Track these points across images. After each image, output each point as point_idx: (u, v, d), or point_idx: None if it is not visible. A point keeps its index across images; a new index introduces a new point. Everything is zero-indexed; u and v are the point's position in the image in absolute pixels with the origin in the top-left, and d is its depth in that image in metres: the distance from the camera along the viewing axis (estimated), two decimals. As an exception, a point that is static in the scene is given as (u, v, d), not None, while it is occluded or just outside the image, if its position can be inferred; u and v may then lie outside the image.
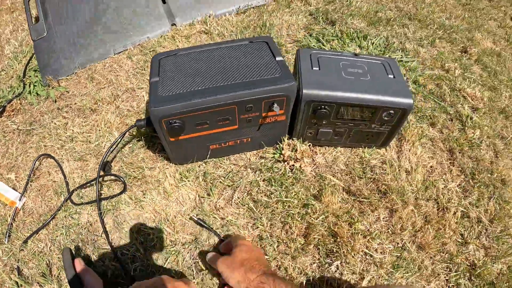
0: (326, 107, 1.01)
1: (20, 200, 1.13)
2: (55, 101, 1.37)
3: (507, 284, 0.96)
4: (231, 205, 1.06)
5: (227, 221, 1.02)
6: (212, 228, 1.00)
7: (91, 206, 1.08)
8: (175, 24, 1.54)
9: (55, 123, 1.30)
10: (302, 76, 1.02)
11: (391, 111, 1.03)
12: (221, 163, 1.14)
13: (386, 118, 1.05)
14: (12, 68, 1.54)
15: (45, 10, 1.47)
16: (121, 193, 1.09)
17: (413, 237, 1.02)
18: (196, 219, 1.01)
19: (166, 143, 1.04)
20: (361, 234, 1.00)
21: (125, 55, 1.50)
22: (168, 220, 1.03)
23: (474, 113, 1.39)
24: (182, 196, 1.08)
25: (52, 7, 1.47)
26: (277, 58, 1.03)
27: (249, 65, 1.01)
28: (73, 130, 1.26)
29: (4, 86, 1.48)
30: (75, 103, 1.35)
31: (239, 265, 0.78)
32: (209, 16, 1.57)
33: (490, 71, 1.62)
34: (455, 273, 0.97)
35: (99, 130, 1.24)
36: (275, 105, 0.98)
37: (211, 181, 1.09)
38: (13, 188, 1.17)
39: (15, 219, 1.10)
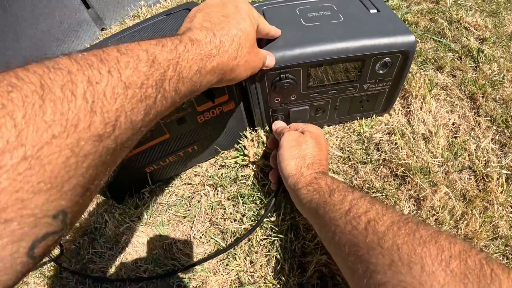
0: (288, 75, 0.54)
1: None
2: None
3: None
4: (192, 242, 0.61)
5: (189, 267, 0.57)
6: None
7: (33, 273, 0.66)
8: (105, 28, 1.09)
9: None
10: (242, 39, 0.55)
11: (387, 59, 0.56)
12: (171, 186, 0.68)
13: (381, 71, 0.58)
14: None
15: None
16: (60, 255, 0.65)
17: (455, 229, 0.57)
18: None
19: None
20: (383, 246, 0.54)
21: (55, 79, 1.05)
22: (118, 278, 0.60)
23: (483, 44, 0.90)
24: (131, 242, 0.64)
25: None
26: (203, 23, 0.57)
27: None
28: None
29: None
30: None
31: (301, 156, 0.53)
32: (141, 8, 1.11)
33: (483, -5, 1.11)
34: (515, 260, 0.53)
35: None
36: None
37: (160, 215, 0.64)
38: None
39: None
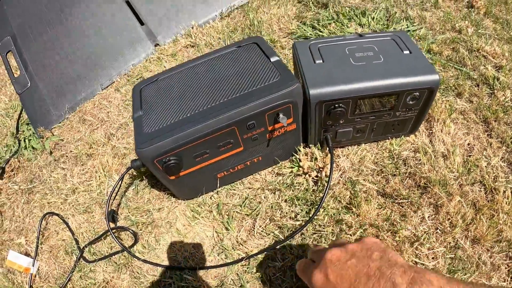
0: (341, 104, 0.78)
1: (33, 265, 0.95)
2: (51, 153, 1.17)
3: None
4: (254, 236, 0.84)
5: (253, 255, 0.80)
6: None
7: (105, 261, 0.89)
8: (158, 44, 1.32)
9: (54, 177, 1.11)
10: (305, 74, 0.79)
11: (416, 93, 0.79)
12: (235, 190, 0.92)
13: (411, 102, 0.81)
14: (5, 126, 1.35)
15: (23, 61, 1.28)
16: (132, 245, 0.88)
17: (466, 231, 0.79)
18: None
19: (167, 182, 0.82)
20: (407, 242, 0.77)
21: (112, 88, 1.28)
22: (188, 266, 0.83)
23: (499, 72, 1.13)
24: (198, 235, 0.87)
25: (30, 56, 1.27)
26: (272, 59, 0.81)
27: (241, 74, 0.79)
28: (72, 181, 1.07)
29: (0, 146, 1.29)
30: (71, 151, 1.16)
31: None
32: (192, 28, 1.34)
33: (502, 22, 1.35)
34: (516, 261, 0.75)
35: (99, 177, 1.04)
36: (281, 115, 0.75)
37: (227, 213, 0.88)
38: (26, 253, 0.99)
39: (32, 287, 0.91)
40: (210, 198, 0.91)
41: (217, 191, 0.91)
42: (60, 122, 1.24)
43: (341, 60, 0.81)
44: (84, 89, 1.24)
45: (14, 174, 1.20)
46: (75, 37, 1.26)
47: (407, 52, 0.83)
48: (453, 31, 1.25)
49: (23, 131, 1.28)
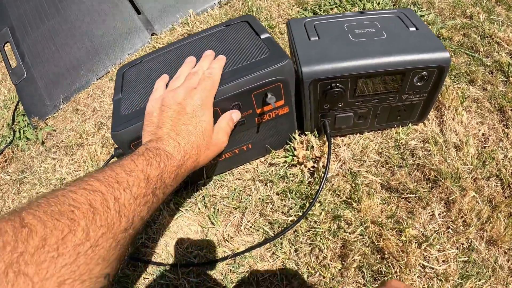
0: (338, 84, 0.65)
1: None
2: (43, 143, 1.07)
3: None
4: (242, 231, 0.71)
5: (239, 253, 0.68)
6: None
7: None
8: (155, 33, 1.21)
9: (44, 167, 1.01)
10: (298, 51, 0.66)
11: (424, 73, 0.66)
12: (223, 181, 0.79)
13: (419, 84, 0.68)
14: (2, 117, 1.26)
15: (21, 52, 1.19)
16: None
17: (481, 231, 0.65)
18: None
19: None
20: (415, 243, 0.63)
21: (107, 78, 1.18)
22: (169, 263, 0.71)
23: (514, 59, 0.98)
24: (183, 230, 0.75)
25: (27, 47, 1.18)
26: (262, 36, 0.68)
27: (227, 53, 0.66)
28: (61, 171, 0.96)
29: (-4, 137, 1.20)
30: (62, 141, 1.05)
31: None
32: (190, 16, 1.22)
33: (515, 10, 1.19)
34: (536, 266, 0.60)
35: (86, 167, 0.93)
36: (269, 95, 0.62)
37: (213, 206, 0.75)
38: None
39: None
40: (196, 190, 0.79)
41: (204, 182, 0.79)
42: (54, 113, 1.14)
43: (338, 36, 0.68)
44: (79, 79, 1.14)
45: (8, 164, 1.11)
46: (71, 28, 1.17)
47: (413, 29, 0.70)
48: (463, 17, 1.10)
49: (19, 122, 1.19)
